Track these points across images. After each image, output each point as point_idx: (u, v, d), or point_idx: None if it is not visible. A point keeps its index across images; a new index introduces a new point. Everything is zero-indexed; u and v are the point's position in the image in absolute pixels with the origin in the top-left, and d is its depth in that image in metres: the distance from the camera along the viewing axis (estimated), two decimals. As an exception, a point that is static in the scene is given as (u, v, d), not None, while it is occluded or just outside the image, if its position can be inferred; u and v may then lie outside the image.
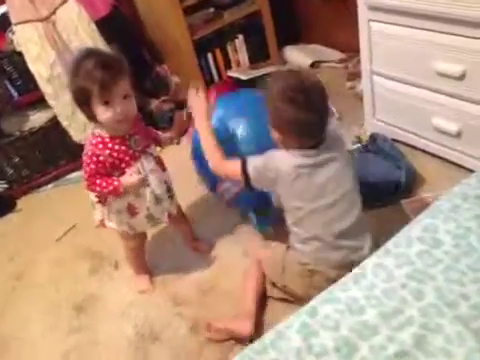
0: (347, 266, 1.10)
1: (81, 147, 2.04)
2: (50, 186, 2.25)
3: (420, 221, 1.02)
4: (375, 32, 1.64)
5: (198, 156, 1.62)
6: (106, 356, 1.36)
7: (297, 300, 1.26)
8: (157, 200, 1.32)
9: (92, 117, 1.22)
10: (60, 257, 1.80)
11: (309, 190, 1.17)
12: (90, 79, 1.15)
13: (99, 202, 1.33)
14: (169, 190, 1.38)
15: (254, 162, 1.21)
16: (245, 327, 1.24)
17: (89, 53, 1.21)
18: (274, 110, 1.15)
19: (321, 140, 1.18)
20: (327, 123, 1.17)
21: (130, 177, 1.24)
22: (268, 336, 0.86)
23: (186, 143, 2.07)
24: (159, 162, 1.37)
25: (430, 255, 0.92)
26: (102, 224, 1.38)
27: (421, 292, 0.86)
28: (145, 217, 1.32)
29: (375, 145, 1.79)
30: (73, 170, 2.22)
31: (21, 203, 2.20)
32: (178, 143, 2.21)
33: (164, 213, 1.37)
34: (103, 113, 1.19)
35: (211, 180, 1.55)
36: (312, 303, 0.90)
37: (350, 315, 0.85)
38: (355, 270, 0.95)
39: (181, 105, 2.37)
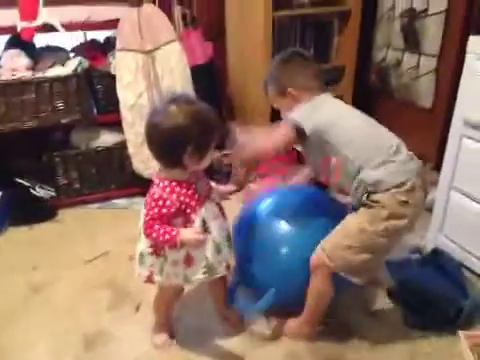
0: (421, 173, 1.25)
1: (136, 177, 2.08)
2: (95, 205, 2.24)
3: None
4: (466, 149, 1.59)
5: (241, 233, 1.49)
6: None
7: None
8: (217, 249, 1.24)
9: (173, 161, 1.18)
10: (84, 280, 1.72)
11: (348, 111, 1.33)
12: (196, 130, 1.14)
13: (153, 253, 1.24)
14: (228, 239, 1.30)
15: (297, 118, 1.27)
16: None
17: (191, 101, 1.20)
18: (290, 77, 1.35)
19: None
20: None
21: (190, 234, 1.17)
22: None
23: (236, 204, 1.97)
24: (221, 209, 1.32)
25: None
26: (149, 280, 1.27)
27: None
28: (203, 267, 1.22)
29: (437, 261, 1.67)
30: (121, 196, 2.22)
31: (62, 214, 2.18)
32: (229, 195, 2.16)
33: (222, 263, 1.26)
34: (196, 162, 1.19)
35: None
36: None
37: None
38: None
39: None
